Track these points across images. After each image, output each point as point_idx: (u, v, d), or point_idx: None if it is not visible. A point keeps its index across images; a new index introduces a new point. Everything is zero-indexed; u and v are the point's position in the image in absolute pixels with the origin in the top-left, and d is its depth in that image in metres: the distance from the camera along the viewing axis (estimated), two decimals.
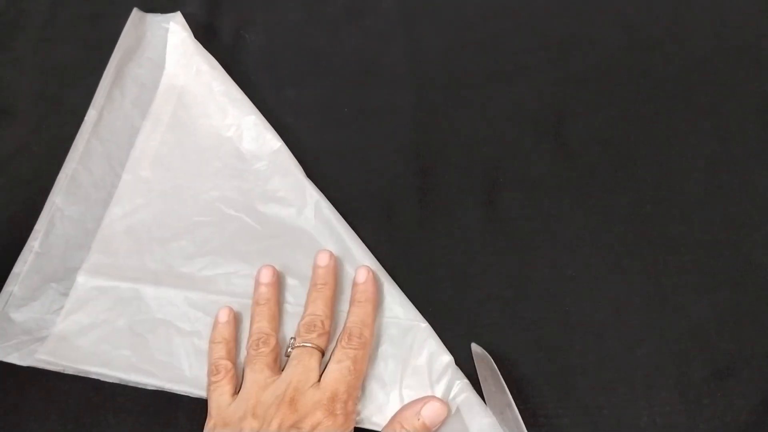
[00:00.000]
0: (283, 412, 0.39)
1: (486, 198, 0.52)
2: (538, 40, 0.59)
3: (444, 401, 0.41)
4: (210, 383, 0.43)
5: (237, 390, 0.42)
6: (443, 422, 0.40)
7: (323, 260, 0.46)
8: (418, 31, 0.60)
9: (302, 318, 0.44)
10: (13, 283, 0.48)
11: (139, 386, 0.45)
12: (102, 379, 0.45)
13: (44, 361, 0.45)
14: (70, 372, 0.46)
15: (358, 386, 0.41)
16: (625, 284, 0.48)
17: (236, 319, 0.46)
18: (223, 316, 0.45)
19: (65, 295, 0.48)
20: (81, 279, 0.48)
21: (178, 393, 0.45)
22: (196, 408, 0.44)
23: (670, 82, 0.56)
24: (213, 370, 0.43)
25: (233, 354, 0.44)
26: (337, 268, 0.47)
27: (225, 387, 0.42)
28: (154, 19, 0.60)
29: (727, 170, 0.52)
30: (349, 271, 0.48)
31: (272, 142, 0.52)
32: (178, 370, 0.45)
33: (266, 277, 0.46)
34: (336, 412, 0.39)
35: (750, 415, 0.44)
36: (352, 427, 0.40)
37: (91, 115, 0.54)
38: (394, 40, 0.60)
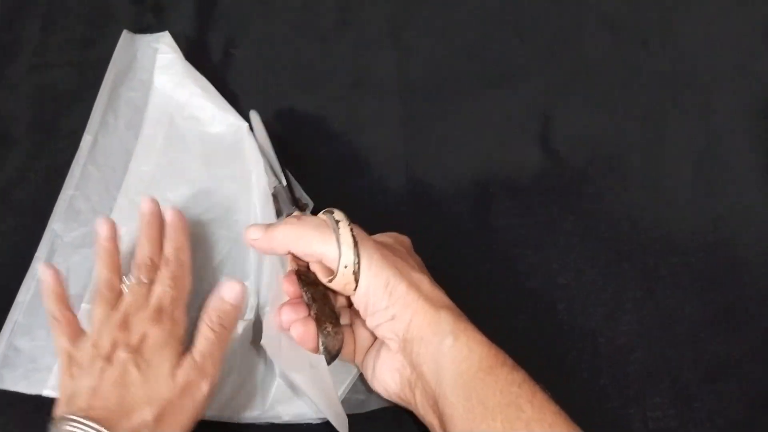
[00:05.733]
0: (115, 334, 0.42)
1: (476, 207, 0.53)
2: (525, 45, 0.59)
3: (237, 279, 0.44)
4: (53, 335, 0.44)
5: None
6: (244, 296, 0.45)
7: (148, 207, 0.49)
8: (405, 40, 0.61)
9: (134, 261, 0.47)
10: (17, 312, 0.49)
11: None
12: None
13: (50, 395, 0.46)
14: None
15: (183, 297, 0.45)
16: (617, 289, 0.49)
17: (62, 281, 0.47)
18: (46, 277, 0.46)
19: None
20: (85, 306, 0.49)
21: None
22: None
23: (658, 81, 0.56)
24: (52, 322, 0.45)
25: (68, 305, 0.46)
26: (161, 213, 0.49)
27: (65, 329, 0.44)
28: (144, 39, 0.60)
29: (717, 170, 0.52)
30: None
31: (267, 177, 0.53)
32: None
33: (105, 231, 0.48)
34: (163, 320, 0.43)
35: (741, 415, 0.44)
36: (182, 332, 0.43)
37: (87, 140, 0.55)
38: (383, 51, 0.60)
